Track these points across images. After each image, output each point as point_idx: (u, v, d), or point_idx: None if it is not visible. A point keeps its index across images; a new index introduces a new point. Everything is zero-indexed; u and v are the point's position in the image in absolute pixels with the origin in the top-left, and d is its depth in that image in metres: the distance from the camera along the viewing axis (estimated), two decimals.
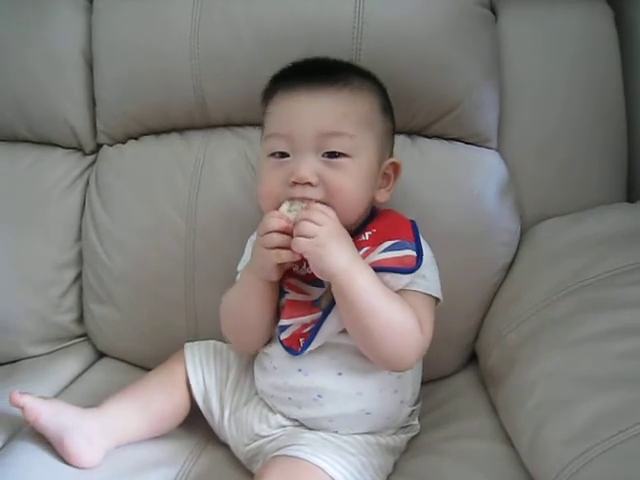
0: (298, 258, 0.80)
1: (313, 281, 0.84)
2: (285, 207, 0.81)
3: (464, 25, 0.99)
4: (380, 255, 0.82)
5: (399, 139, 0.95)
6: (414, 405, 0.91)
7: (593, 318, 0.84)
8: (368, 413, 0.84)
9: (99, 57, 1.11)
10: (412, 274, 0.82)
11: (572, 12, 1.07)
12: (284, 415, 0.87)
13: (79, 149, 1.17)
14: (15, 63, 1.13)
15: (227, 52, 1.02)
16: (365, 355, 0.82)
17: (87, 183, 1.16)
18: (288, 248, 0.79)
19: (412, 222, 0.86)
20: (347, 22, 0.97)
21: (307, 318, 0.84)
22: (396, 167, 0.89)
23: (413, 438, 0.92)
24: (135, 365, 1.12)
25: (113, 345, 1.14)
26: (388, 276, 0.81)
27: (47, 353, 1.13)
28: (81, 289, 1.15)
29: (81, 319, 1.16)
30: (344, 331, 0.82)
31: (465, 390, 1.01)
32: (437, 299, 0.85)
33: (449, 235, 0.96)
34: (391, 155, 0.90)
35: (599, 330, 0.82)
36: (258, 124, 1.05)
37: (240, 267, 0.93)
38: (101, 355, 1.16)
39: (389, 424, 0.87)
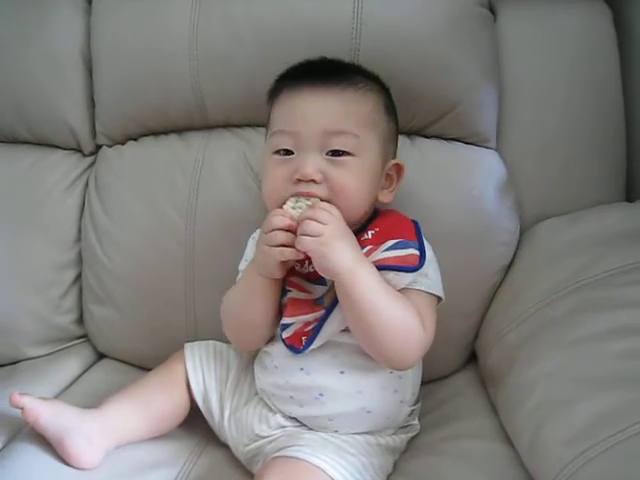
0: (302, 256, 0.80)
1: (315, 279, 0.85)
2: (290, 204, 0.81)
3: (463, 25, 0.99)
4: (383, 254, 0.82)
5: (399, 139, 0.95)
6: (414, 405, 0.91)
7: (593, 318, 0.84)
8: (369, 412, 0.84)
9: (98, 58, 1.11)
10: (415, 273, 0.82)
11: (571, 12, 1.07)
12: (284, 414, 0.87)
13: (78, 150, 1.17)
14: (15, 64, 1.13)
15: (226, 53, 1.02)
16: (367, 354, 0.82)
17: (86, 184, 1.16)
18: (292, 246, 0.79)
19: (414, 222, 0.87)
20: (346, 22, 0.97)
21: (309, 316, 0.84)
22: (399, 168, 0.90)
23: (413, 438, 0.92)
24: (135, 366, 1.12)
25: (113, 346, 1.14)
26: (391, 274, 0.81)
27: (47, 354, 1.13)
28: (81, 290, 1.15)
29: (81, 320, 1.16)
30: (346, 329, 0.82)
31: (465, 390, 1.01)
32: (439, 298, 0.86)
33: (449, 235, 0.96)
34: (394, 156, 0.91)
35: (599, 330, 0.82)
36: (257, 125, 1.06)
37: (241, 266, 0.93)
38: (101, 356, 1.16)
39: (389, 424, 0.87)
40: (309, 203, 0.81)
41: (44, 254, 1.14)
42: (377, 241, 0.84)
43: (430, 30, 0.97)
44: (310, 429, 0.86)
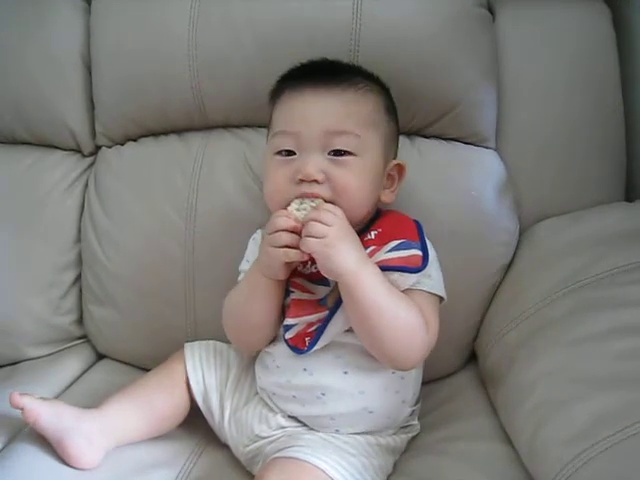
0: (307, 258, 0.80)
1: (318, 280, 0.85)
2: (294, 205, 0.82)
3: (462, 25, 0.99)
4: (386, 254, 0.82)
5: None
6: (414, 405, 0.91)
7: (593, 317, 0.84)
8: (371, 412, 0.84)
9: (98, 59, 1.11)
10: (419, 273, 0.82)
11: (570, 12, 1.07)
12: (285, 414, 0.87)
13: (78, 151, 1.17)
14: (14, 64, 1.13)
15: (226, 53, 1.02)
16: (371, 354, 0.82)
17: (86, 185, 1.16)
18: (296, 247, 0.79)
19: (416, 222, 0.87)
20: (345, 23, 0.97)
21: (313, 317, 0.84)
22: (400, 168, 0.90)
23: (413, 438, 0.92)
24: (135, 366, 1.12)
25: (113, 346, 1.14)
26: (395, 275, 0.82)
27: (47, 355, 1.13)
28: (81, 291, 1.15)
29: (81, 321, 1.16)
30: (350, 330, 0.82)
31: (465, 390, 1.01)
32: (441, 298, 0.86)
33: (448, 235, 0.96)
34: (395, 156, 0.91)
35: (599, 330, 0.82)
36: (257, 125, 1.06)
37: (242, 267, 0.93)
38: (101, 356, 1.16)
39: (389, 424, 0.88)
40: (313, 205, 0.81)
41: (44, 255, 1.14)
42: (380, 242, 0.84)
43: (429, 30, 0.98)
44: (311, 429, 0.86)
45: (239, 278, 0.93)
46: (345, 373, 0.84)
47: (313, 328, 0.84)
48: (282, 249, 0.80)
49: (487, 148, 1.04)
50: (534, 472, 0.77)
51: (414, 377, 0.89)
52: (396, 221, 0.88)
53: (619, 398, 0.73)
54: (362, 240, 0.83)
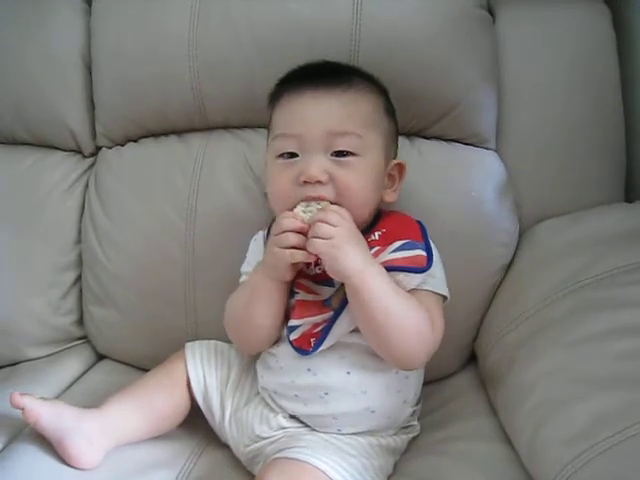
0: (313, 259, 0.80)
1: (322, 281, 0.85)
2: (300, 208, 0.82)
3: (462, 27, 0.99)
4: (391, 255, 0.83)
5: (399, 140, 0.96)
6: (415, 405, 0.91)
7: (593, 318, 0.84)
8: (373, 411, 0.84)
9: (98, 60, 1.11)
10: (424, 274, 0.83)
11: (570, 13, 1.07)
12: (285, 415, 0.87)
13: (78, 151, 1.17)
14: (14, 65, 1.13)
15: (226, 55, 1.02)
16: (375, 354, 0.82)
17: (86, 185, 1.16)
18: (302, 248, 0.79)
19: (419, 222, 0.87)
20: (345, 24, 0.97)
21: (318, 318, 0.84)
22: (401, 168, 0.90)
23: (413, 439, 0.92)
24: (135, 367, 1.12)
25: (113, 347, 1.14)
26: (401, 275, 0.82)
27: (47, 355, 1.13)
28: (81, 291, 1.15)
29: (81, 321, 1.16)
30: (355, 330, 0.82)
31: (465, 391, 1.01)
32: (445, 297, 0.87)
33: (448, 235, 0.96)
34: (395, 156, 0.92)
35: (599, 330, 0.82)
36: (257, 126, 1.06)
37: (244, 269, 0.93)
38: (101, 357, 1.16)
39: (390, 424, 0.88)
40: (319, 207, 0.81)
41: (44, 255, 1.14)
42: (384, 242, 0.84)
43: (429, 32, 0.98)
44: (312, 430, 0.86)
45: (241, 280, 0.93)
46: (348, 373, 0.84)
47: (318, 329, 0.84)
48: (288, 250, 0.80)
49: (487, 149, 1.04)
50: (534, 473, 0.77)
51: (416, 377, 0.89)
52: (399, 221, 0.88)
53: (619, 398, 0.73)
54: (366, 241, 0.83)
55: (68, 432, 0.85)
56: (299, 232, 0.80)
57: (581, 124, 1.06)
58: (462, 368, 1.07)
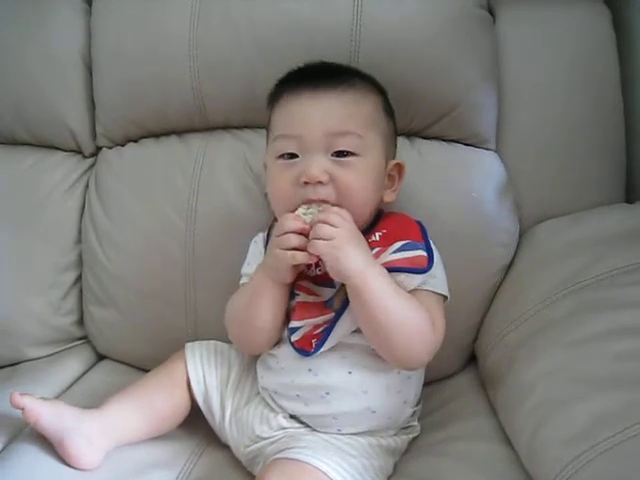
0: (314, 260, 0.80)
1: (323, 282, 0.85)
2: (301, 211, 0.82)
3: (462, 27, 0.99)
4: (392, 255, 0.83)
5: (398, 140, 0.96)
6: (415, 406, 0.91)
7: (593, 318, 0.84)
8: (373, 412, 0.84)
9: (98, 60, 1.11)
10: (425, 274, 0.83)
11: (570, 13, 1.07)
12: (286, 415, 0.87)
13: (78, 152, 1.17)
14: (14, 65, 1.13)
15: (226, 55, 1.02)
16: (377, 354, 0.83)
17: (87, 185, 1.16)
18: (303, 250, 0.79)
19: (419, 223, 0.88)
20: (346, 25, 0.97)
21: (319, 319, 0.84)
22: (400, 168, 0.91)
23: (414, 439, 0.92)
24: (135, 367, 1.12)
25: (113, 347, 1.14)
26: (402, 276, 0.82)
27: (47, 355, 1.13)
28: (81, 291, 1.15)
29: (81, 321, 1.16)
30: (357, 330, 0.83)
31: (465, 391, 1.01)
32: (445, 297, 0.87)
33: (448, 236, 0.96)
34: (394, 156, 0.92)
35: (599, 330, 0.82)
36: (257, 126, 1.06)
37: (244, 271, 0.93)
38: (101, 357, 1.16)
39: (391, 424, 0.88)
40: (320, 209, 0.81)
41: (44, 256, 1.14)
42: (385, 243, 0.84)
43: (430, 32, 0.98)
44: (312, 430, 0.86)
45: (241, 282, 0.93)
46: (349, 373, 0.84)
47: (320, 330, 0.84)
48: (290, 252, 0.80)
49: (487, 149, 1.04)
50: (534, 473, 0.77)
51: (417, 378, 0.90)
52: (400, 222, 0.88)
53: (619, 399, 0.73)
54: (367, 241, 0.83)
55: (68, 432, 0.85)
56: (300, 233, 0.80)
57: (581, 124, 1.06)
58: (462, 368, 1.07)
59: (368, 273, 0.78)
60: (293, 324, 0.85)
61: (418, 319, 0.80)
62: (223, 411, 0.92)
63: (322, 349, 0.83)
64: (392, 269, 0.82)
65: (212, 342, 0.97)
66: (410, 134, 1.04)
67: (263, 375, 0.90)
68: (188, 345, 0.97)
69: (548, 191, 1.06)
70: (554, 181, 1.06)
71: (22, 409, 0.85)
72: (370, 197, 0.86)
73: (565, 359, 0.82)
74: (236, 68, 1.03)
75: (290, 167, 0.84)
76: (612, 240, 0.95)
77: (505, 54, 1.05)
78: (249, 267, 0.92)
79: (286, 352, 0.86)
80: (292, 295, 0.87)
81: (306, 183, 0.82)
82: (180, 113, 1.08)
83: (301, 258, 0.80)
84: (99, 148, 1.16)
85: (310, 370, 0.84)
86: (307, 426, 0.87)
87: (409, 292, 0.82)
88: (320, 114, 0.83)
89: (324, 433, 0.85)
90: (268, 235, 0.92)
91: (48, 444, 0.86)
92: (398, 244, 0.83)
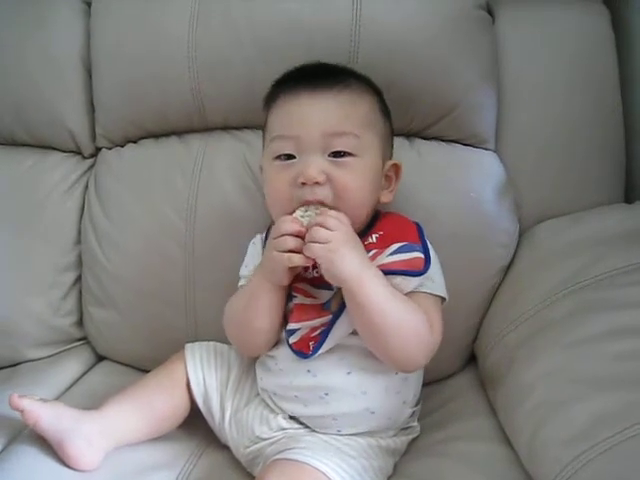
0: (311, 263, 0.80)
1: (321, 284, 0.85)
2: (299, 213, 0.82)
3: (462, 27, 0.99)
4: (389, 258, 0.83)
5: (397, 141, 0.96)
6: (415, 406, 0.91)
7: (592, 319, 0.84)
8: (372, 412, 0.85)
9: (97, 61, 1.11)
10: (422, 276, 0.83)
11: (569, 14, 1.07)
12: (285, 415, 0.87)
13: (78, 152, 1.17)
14: (14, 66, 1.13)
15: (226, 55, 1.02)
16: (375, 355, 0.82)
17: (86, 186, 1.16)
18: (300, 252, 0.79)
19: (416, 224, 0.87)
20: (345, 26, 0.97)
21: (316, 322, 0.84)
22: (397, 168, 0.91)
23: (413, 440, 0.92)
24: (135, 368, 1.12)
25: (113, 348, 1.14)
26: (399, 279, 0.82)
27: (47, 356, 1.13)
28: (81, 292, 1.15)
29: (81, 322, 1.16)
30: (355, 332, 0.82)
31: (465, 391, 1.01)
32: (443, 299, 0.87)
33: (448, 237, 0.96)
34: (391, 157, 0.92)
35: (598, 331, 0.82)
36: (256, 127, 1.06)
37: (242, 272, 0.93)
38: (101, 358, 1.16)
39: (390, 425, 0.88)
40: (317, 212, 0.81)
41: (44, 256, 1.14)
42: (382, 245, 0.84)
43: (429, 32, 0.98)
44: (312, 431, 0.86)
45: (239, 284, 0.93)
46: (348, 374, 0.84)
47: (317, 332, 0.84)
48: (286, 254, 0.80)
49: (486, 150, 1.04)
50: (533, 473, 0.77)
51: (415, 378, 0.89)
52: (397, 223, 0.88)
53: (618, 399, 0.73)
54: (363, 243, 0.83)
55: (68, 433, 0.85)
56: (297, 236, 0.80)
57: (581, 124, 1.06)
58: (462, 369, 1.07)
59: (364, 276, 0.78)
60: (291, 326, 0.85)
61: (415, 321, 0.80)
62: (223, 412, 0.92)
63: (320, 351, 0.83)
64: (389, 272, 0.81)
65: (212, 343, 0.97)
66: (409, 134, 1.04)
67: (262, 376, 0.90)
68: (188, 346, 0.97)
69: (548, 191, 1.06)
70: (554, 181, 1.06)
71: (21, 411, 0.85)
72: (367, 197, 0.86)
73: (565, 359, 0.82)
74: (236, 68, 1.03)
75: (287, 168, 0.84)
76: (612, 240, 0.95)
77: (505, 54, 1.05)
78: (247, 269, 0.92)
79: (284, 354, 0.86)
80: (290, 297, 0.87)
81: (304, 184, 0.82)
82: (179, 114, 1.08)
83: (297, 261, 0.80)
84: (98, 149, 1.16)
85: (309, 371, 0.84)
86: (307, 427, 0.87)
87: (406, 294, 0.82)
88: (318, 114, 0.83)
89: (324, 434, 0.85)
90: (266, 237, 0.92)
91: (48, 445, 0.86)
92: (395, 246, 0.83)
